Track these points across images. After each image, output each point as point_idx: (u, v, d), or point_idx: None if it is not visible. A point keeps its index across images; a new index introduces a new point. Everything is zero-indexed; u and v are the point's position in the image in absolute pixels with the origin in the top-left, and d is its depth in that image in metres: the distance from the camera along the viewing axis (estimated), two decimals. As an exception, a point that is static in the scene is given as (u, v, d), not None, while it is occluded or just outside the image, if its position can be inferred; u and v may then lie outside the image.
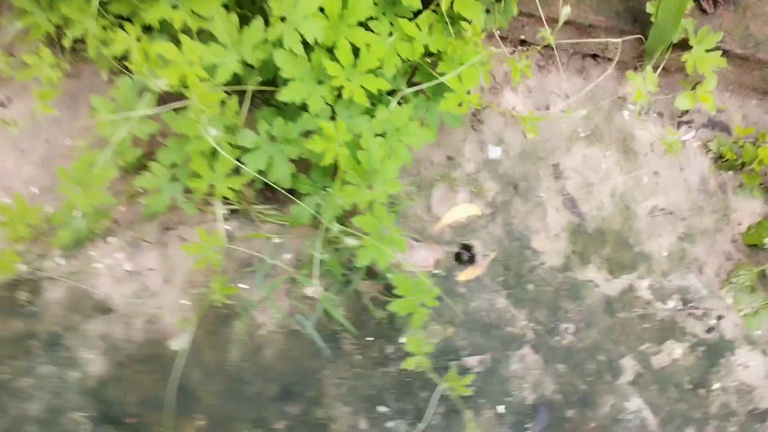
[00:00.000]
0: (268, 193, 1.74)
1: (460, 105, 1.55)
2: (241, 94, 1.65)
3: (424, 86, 1.63)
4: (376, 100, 1.66)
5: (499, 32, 1.77)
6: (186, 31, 1.53)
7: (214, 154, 1.51)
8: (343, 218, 1.69)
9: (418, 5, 1.55)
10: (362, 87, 1.53)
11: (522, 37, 1.82)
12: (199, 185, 1.51)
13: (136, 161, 1.67)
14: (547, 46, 1.90)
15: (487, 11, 1.69)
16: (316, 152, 1.47)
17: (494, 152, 1.85)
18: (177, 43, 1.44)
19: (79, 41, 1.59)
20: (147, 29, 1.56)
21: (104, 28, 1.55)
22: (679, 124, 1.95)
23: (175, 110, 1.49)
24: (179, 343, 1.45)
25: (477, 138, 1.86)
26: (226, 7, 1.56)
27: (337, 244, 1.71)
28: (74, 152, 1.66)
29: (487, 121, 1.87)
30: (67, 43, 1.55)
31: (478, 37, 1.51)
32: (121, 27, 1.51)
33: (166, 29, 1.55)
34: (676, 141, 1.65)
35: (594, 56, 1.94)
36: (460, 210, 1.80)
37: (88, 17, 1.53)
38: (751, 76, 1.90)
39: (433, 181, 1.81)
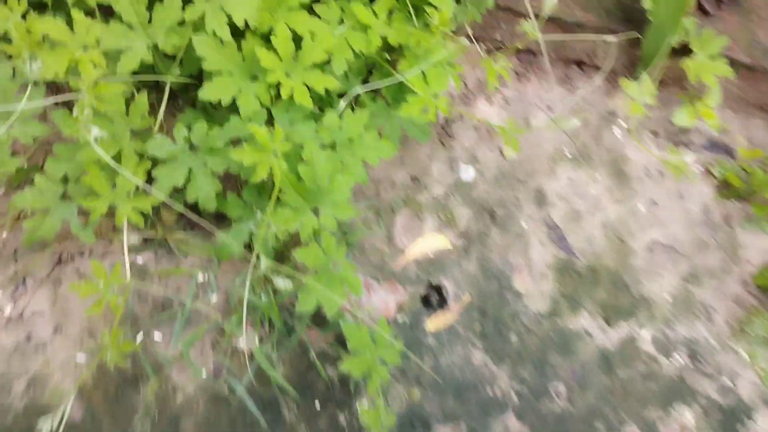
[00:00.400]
0: (191, 217, 1.41)
1: (424, 111, 1.27)
2: (159, 90, 1.34)
3: (381, 85, 1.34)
4: (324, 103, 1.37)
5: (471, 30, 1.51)
6: (88, 12, 1.22)
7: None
8: (283, 250, 1.37)
9: (376, -11, 1.28)
10: (305, 85, 1.23)
11: (498, 36, 1.56)
12: (96, 205, 1.17)
13: (20, 174, 1.33)
14: (527, 51, 1.65)
15: (457, 1, 1.43)
16: (246, 165, 1.15)
17: (467, 173, 1.56)
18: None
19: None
20: (39, 7, 1.25)
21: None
22: (677, 145, 1.69)
23: (69, 108, 1.17)
24: (50, 423, 1.06)
25: (446, 155, 1.57)
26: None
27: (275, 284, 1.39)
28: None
29: (458, 135, 1.59)
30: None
31: (447, 27, 1.24)
32: (5, 2, 1.19)
33: (61, 7, 1.24)
34: (681, 162, 1.38)
35: (580, 63, 1.69)
36: (428, 242, 1.50)
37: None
38: (757, 91, 1.67)
39: (395, 206, 1.50)
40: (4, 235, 1.34)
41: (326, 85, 1.24)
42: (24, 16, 1.15)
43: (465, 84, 1.63)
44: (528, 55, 1.67)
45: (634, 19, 1.52)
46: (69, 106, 1.40)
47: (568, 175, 1.61)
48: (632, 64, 1.64)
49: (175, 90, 1.39)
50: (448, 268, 1.49)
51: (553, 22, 1.52)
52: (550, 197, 1.59)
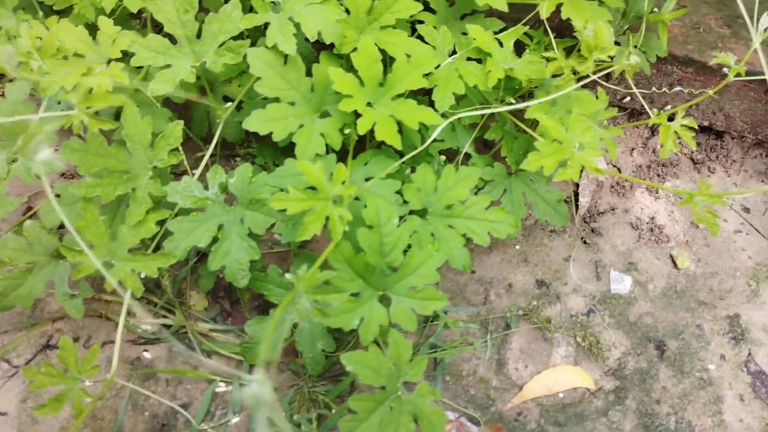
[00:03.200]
0: (226, 303, 1.04)
1: (562, 164, 0.84)
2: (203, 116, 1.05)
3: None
4: (415, 160, 0.99)
5: (627, 100, 1.10)
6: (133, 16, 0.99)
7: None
8: (335, 354, 0.94)
9: (503, 6, 0.93)
10: (392, 118, 0.87)
11: (666, 102, 1.13)
12: (83, 261, 0.84)
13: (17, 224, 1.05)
14: (709, 131, 1.20)
15: (616, 44, 1.04)
16: (290, 214, 0.78)
17: (620, 283, 1.08)
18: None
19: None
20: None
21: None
22: None
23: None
24: None
25: (590, 257, 1.11)
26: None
27: (322, 404, 0.95)
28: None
29: (607, 232, 1.13)
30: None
31: (604, 51, 0.85)
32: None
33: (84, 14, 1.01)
34: None
35: (789, 150, 1.21)
36: (558, 376, 1.00)
37: (6, 11, 1.03)
38: None
39: (511, 318, 1.04)
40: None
41: (422, 119, 0.87)
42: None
43: (619, 170, 1.19)
44: (710, 137, 1.22)
45: None
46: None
47: (779, 302, 1.07)
48: None
49: (228, 141, 1.09)
50: (589, 419, 0.97)
51: (756, 81, 1.08)
52: (753, 331, 1.05)
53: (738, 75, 0.86)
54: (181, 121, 0.90)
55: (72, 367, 0.81)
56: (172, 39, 0.91)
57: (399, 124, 0.87)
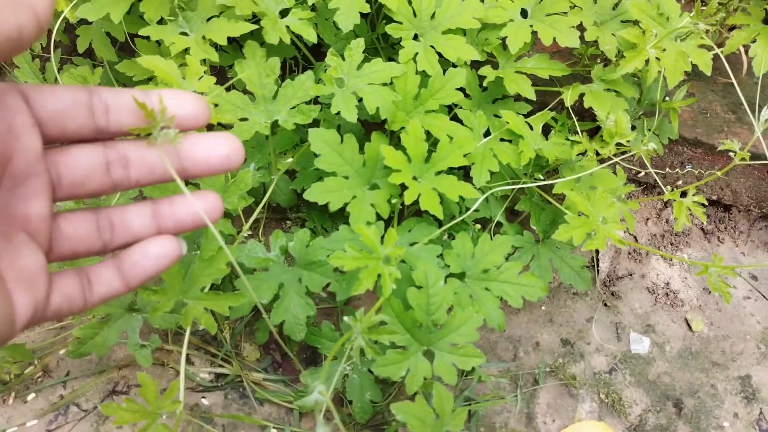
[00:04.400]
0: (277, 355, 1.13)
1: (589, 236, 0.95)
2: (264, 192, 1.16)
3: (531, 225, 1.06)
4: (454, 227, 1.10)
5: (642, 175, 1.22)
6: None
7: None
8: (382, 405, 1.03)
9: (531, 94, 1.06)
10: (435, 191, 0.98)
11: (678, 179, 1.24)
12: (159, 299, 0.93)
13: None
14: (718, 204, 1.31)
15: (632, 127, 1.16)
16: (345, 272, 0.89)
17: (640, 344, 1.17)
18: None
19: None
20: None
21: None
22: None
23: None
24: None
25: (611, 319, 1.20)
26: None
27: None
28: None
29: (626, 296, 1.23)
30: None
31: (624, 137, 0.97)
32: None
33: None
34: None
35: (793, 222, 1.31)
36: (584, 430, 1.08)
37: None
38: None
39: (539, 375, 1.13)
40: (62, 352, 1.13)
41: (462, 193, 0.98)
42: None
43: (635, 239, 1.30)
44: (718, 210, 1.33)
45: None
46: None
47: (788, 365, 1.15)
48: None
49: (281, 206, 1.21)
50: (613, 474, 1.04)
51: (755, 171, 1.19)
52: (764, 391, 1.12)
53: (743, 159, 0.98)
54: (251, 169, 1.02)
55: (152, 402, 0.89)
56: (251, 96, 1.04)
57: (440, 195, 0.98)
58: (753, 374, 1.14)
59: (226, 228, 0.98)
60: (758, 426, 1.09)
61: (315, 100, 1.08)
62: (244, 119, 1.00)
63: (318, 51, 1.27)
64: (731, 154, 0.99)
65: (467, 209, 1.08)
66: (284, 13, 1.06)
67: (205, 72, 0.98)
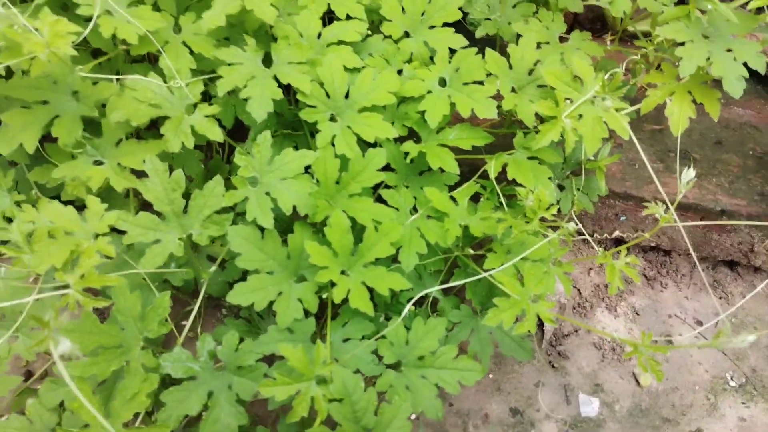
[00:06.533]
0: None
1: (519, 318, 0.93)
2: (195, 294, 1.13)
3: (460, 284, 1.04)
4: (391, 310, 1.08)
5: (580, 224, 1.21)
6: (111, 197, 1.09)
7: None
8: None
9: (454, 168, 1.04)
10: (364, 285, 0.96)
11: (616, 233, 1.24)
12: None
13: (19, 399, 1.11)
14: (657, 250, 1.31)
15: (561, 188, 1.15)
16: (278, 401, 0.86)
17: (589, 406, 1.15)
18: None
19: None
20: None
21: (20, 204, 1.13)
22: None
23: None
24: None
25: (559, 381, 1.18)
26: (189, 179, 1.12)
27: None
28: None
29: (573, 355, 1.21)
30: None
31: (547, 212, 0.95)
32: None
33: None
34: None
35: (732, 264, 1.31)
36: (537, 505, 1.06)
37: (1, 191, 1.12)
38: None
39: (490, 450, 1.10)
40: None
41: (392, 286, 0.96)
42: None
43: (579, 291, 1.29)
44: (659, 254, 1.32)
45: (801, 203, 1.17)
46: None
47: (738, 414, 1.15)
48: (807, 261, 1.24)
49: (212, 296, 1.17)
50: None
51: (689, 211, 1.19)
52: (716, 445, 1.12)
53: (670, 215, 0.97)
54: (169, 292, 0.98)
55: None
56: (160, 215, 1.00)
57: (370, 289, 0.96)
58: (704, 427, 1.13)
59: (148, 360, 0.94)
60: (712, 482, 1.08)
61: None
62: (157, 241, 0.96)
63: (241, 128, 1.23)
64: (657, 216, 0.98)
65: (401, 291, 1.06)
66: (191, 108, 1.04)
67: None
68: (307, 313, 0.98)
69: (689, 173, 0.97)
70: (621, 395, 1.16)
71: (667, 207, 0.97)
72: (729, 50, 1.00)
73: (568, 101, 1.00)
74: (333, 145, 1.03)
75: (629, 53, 1.18)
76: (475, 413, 1.14)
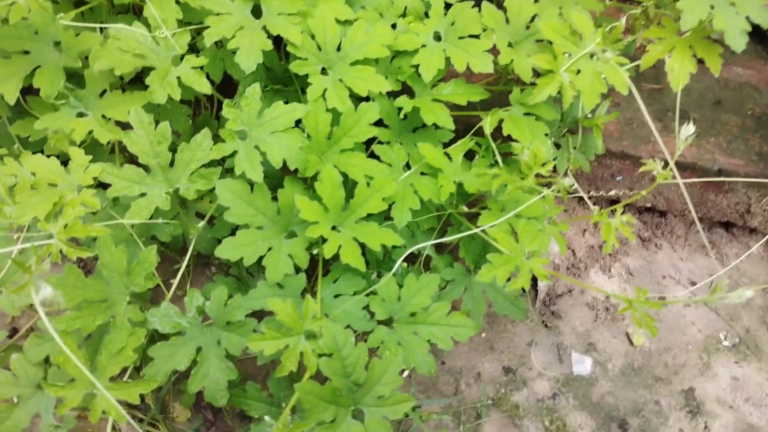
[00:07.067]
0: (209, 413, 1.09)
1: (514, 276, 0.92)
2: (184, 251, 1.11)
3: (453, 240, 1.03)
4: (383, 267, 1.06)
5: (576, 183, 1.19)
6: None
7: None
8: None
9: (449, 124, 1.02)
10: (357, 241, 0.94)
11: (612, 192, 1.22)
12: (66, 394, 0.88)
13: (7, 352, 1.09)
14: (653, 211, 1.29)
15: (557, 146, 1.13)
16: (266, 356, 0.84)
17: (582, 365, 1.15)
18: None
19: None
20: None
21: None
22: None
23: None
24: None
25: (552, 341, 1.18)
26: (176, 134, 1.10)
27: None
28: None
29: (566, 315, 1.20)
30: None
31: (543, 168, 0.93)
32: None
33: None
34: None
35: (728, 225, 1.30)
36: (528, 462, 1.06)
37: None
38: None
39: (482, 407, 1.10)
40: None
41: (384, 242, 0.94)
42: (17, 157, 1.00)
43: (573, 252, 1.28)
44: (654, 215, 1.31)
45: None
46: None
47: (731, 373, 1.15)
48: (803, 222, 1.23)
49: (202, 253, 1.15)
50: (560, 506, 1.02)
51: (687, 170, 1.17)
52: (708, 404, 1.12)
53: (668, 171, 0.95)
54: (155, 246, 0.96)
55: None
56: (146, 168, 0.98)
57: (362, 245, 0.94)
58: (696, 386, 1.13)
59: (134, 315, 0.93)
60: (703, 440, 1.09)
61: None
62: (143, 194, 0.94)
63: (230, 84, 1.20)
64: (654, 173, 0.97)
65: (393, 247, 1.04)
66: (178, 60, 1.00)
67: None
68: (297, 269, 0.97)
69: (688, 128, 0.95)
70: (614, 354, 1.16)
71: (666, 164, 0.96)
72: (732, 4, 0.98)
73: (566, 55, 0.97)
74: (324, 98, 1.00)
75: (629, 9, 1.14)
76: (468, 371, 1.13)
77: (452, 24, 1.08)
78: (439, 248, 1.12)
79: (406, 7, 1.13)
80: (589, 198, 1.29)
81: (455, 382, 1.13)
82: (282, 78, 1.15)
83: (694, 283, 1.25)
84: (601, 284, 1.24)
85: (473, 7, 1.07)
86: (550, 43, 1.01)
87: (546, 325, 1.19)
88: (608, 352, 1.16)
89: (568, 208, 1.30)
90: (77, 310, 0.91)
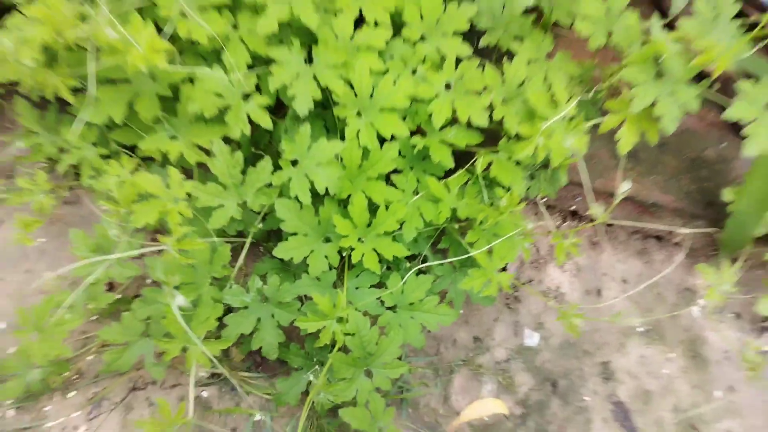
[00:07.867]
0: (257, 357, 1.49)
1: (486, 285, 1.29)
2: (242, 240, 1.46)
3: (450, 258, 1.39)
4: (393, 264, 1.43)
5: (545, 200, 1.54)
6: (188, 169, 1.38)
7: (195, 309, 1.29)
8: (338, 405, 1.40)
9: (450, 164, 1.35)
10: (375, 251, 1.30)
11: (572, 207, 1.57)
12: (170, 347, 1.26)
13: (110, 307, 1.46)
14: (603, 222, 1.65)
15: (531, 177, 1.47)
16: (308, 331, 1.22)
17: (531, 338, 1.55)
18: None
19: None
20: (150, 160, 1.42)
21: (105, 156, 1.42)
22: (762, 330, 1.60)
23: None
24: None
25: (512, 319, 1.57)
26: (237, 144, 1.42)
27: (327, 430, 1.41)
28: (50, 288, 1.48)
29: (525, 300, 1.59)
30: (61, 168, 1.41)
31: (515, 208, 1.28)
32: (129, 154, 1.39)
33: (169, 163, 1.40)
34: (757, 358, 1.31)
35: (658, 238, 1.66)
36: (484, 406, 1.48)
37: (87, 144, 1.40)
38: None
39: (455, 365, 1.51)
40: (90, 358, 1.46)
41: (395, 253, 1.30)
42: (134, 171, 1.32)
43: (537, 249, 1.64)
44: (604, 225, 1.67)
45: (715, 205, 1.50)
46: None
47: (639, 352, 1.55)
48: (714, 243, 1.60)
49: (255, 240, 1.50)
50: (503, 437, 1.45)
51: (629, 201, 1.52)
52: (618, 373, 1.53)
53: (609, 210, 1.30)
54: (229, 245, 1.32)
55: (168, 417, 1.25)
56: (223, 185, 1.31)
57: (378, 254, 1.30)
58: (612, 360, 1.54)
59: (215, 294, 1.29)
60: (611, 400, 1.51)
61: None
62: (221, 206, 1.28)
63: (281, 105, 1.50)
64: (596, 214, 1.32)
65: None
66: (246, 97, 1.31)
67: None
68: (330, 267, 1.33)
69: (625, 185, 1.30)
70: (556, 333, 1.56)
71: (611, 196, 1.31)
72: (672, 93, 1.29)
73: (543, 124, 1.29)
74: (357, 138, 1.32)
75: (609, 70, 1.44)
76: (447, 338, 1.53)
77: (461, 77, 1.38)
78: (434, 250, 1.48)
79: (425, 56, 1.42)
80: (555, 207, 1.64)
81: (437, 346, 1.53)
82: (321, 101, 1.45)
83: (625, 281, 1.63)
84: (555, 276, 1.62)
85: (478, 66, 1.37)
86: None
87: (509, 307, 1.58)
88: (552, 330, 1.56)
89: (537, 213, 1.65)
90: (176, 289, 1.27)
